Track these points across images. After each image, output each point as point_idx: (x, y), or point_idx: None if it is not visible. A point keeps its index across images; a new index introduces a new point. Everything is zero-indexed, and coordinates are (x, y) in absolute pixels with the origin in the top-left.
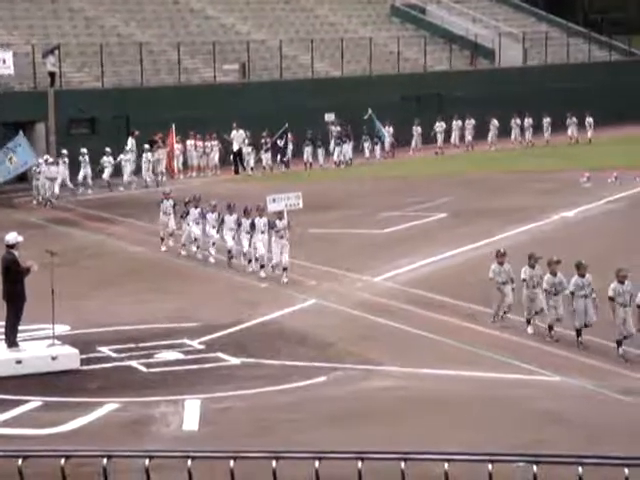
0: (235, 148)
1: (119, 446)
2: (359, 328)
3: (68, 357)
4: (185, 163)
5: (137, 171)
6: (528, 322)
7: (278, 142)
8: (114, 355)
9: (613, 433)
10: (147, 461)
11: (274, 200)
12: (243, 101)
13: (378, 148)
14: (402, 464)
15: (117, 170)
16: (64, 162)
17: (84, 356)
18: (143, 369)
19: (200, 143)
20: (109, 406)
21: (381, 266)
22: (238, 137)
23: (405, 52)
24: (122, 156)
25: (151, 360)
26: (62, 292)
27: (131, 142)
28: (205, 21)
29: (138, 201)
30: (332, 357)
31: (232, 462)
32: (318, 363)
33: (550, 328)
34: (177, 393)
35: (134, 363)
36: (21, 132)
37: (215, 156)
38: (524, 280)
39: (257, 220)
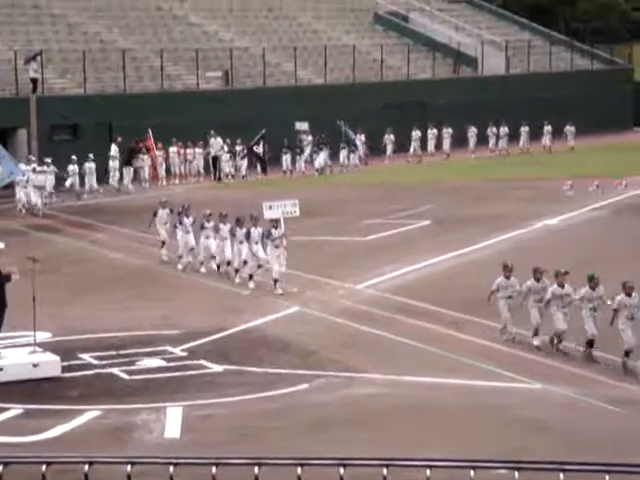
0: (212, 155)
1: (101, 453)
2: (342, 335)
3: (49, 364)
4: (168, 170)
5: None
6: (535, 333)
7: (255, 148)
8: (95, 362)
9: (595, 441)
10: (129, 467)
11: (270, 207)
12: (226, 108)
13: (354, 156)
14: (384, 470)
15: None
16: (51, 171)
17: (65, 363)
18: (125, 376)
19: (182, 150)
20: (90, 413)
21: (364, 273)
22: (216, 144)
23: (388, 60)
24: (87, 164)
25: (133, 367)
26: (44, 299)
27: (114, 148)
28: (188, 28)
29: (121, 208)
30: (315, 364)
31: (214, 469)
32: (301, 370)
33: (553, 339)
34: (159, 400)
35: (116, 370)
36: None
37: (198, 163)
38: (528, 292)
39: (252, 230)
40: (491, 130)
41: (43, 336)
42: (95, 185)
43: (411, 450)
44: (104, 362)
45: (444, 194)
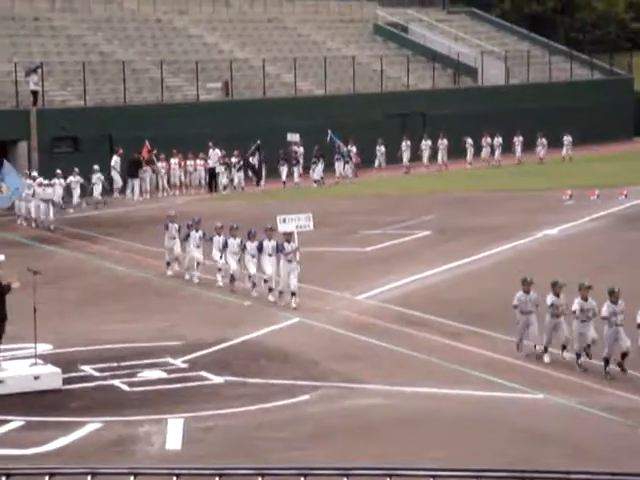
0: (210, 166)
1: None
2: (343, 346)
3: (50, 376)
4: (168, 181)
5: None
6: (545, 350)
7: (251, 159)
8: (96, 374)
9: (598, 451)
10: (132, 479)
11: (284, 220)
12: (225, 119)
13: (349, 167)
14: None
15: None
16: (60, 183)
17: (66, 375)
18: (126, 388)
19: (183, 162)
20: (91, 425)
21: (364, 284)
22: (214, 156)
23: (388, 71)
24: (71, 178)
25: (134, 379)
26: (45, 311)
27: (115, 160)
28: (188, 39)
29: (121, 220)
30: (316, 375)
31: (217, 479)
32: (301, 381)
33: (579, 356)
34: (160, 412)
35: (117, 382)
36: (5, 161)
37: (199, 175)
38: (550, 307)
39: (265, 242)
40: (485, 140)
41: (44, 348)
42: (99, 196)
43: (413, 460)
44: (105, 374)
45: (443, 205)
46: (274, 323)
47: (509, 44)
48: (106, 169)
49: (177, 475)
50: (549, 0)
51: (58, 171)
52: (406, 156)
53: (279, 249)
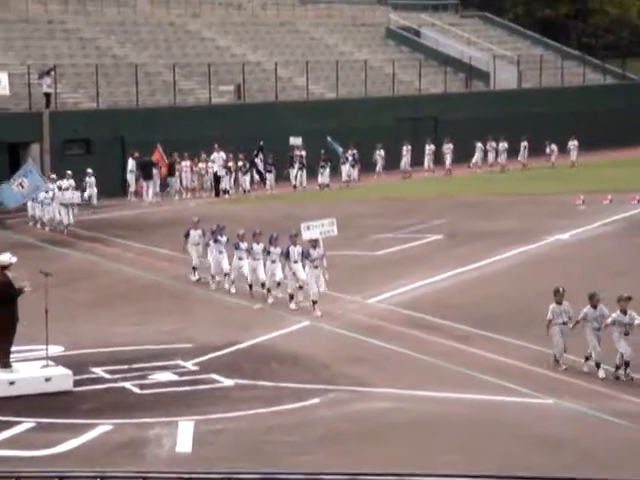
0: (215, 170)
1: (112, 468)
2: (353, 350)
3: (61, 378)
4: (181, 183)
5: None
6: (598, 366)
7: (256, 160)
8: (107, 376)
9: (607, 456)
10: None
11: (308, 228)
12: (238, 122)
13: (356, 171)
14: None
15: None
16: (72, 186)
17: (77, 377)
18: (137, 390)
19: (195, 165)
20: (102, 427)
21: (375, 288)
22: (218, 159)
23: (400, 74)
24: (87, 179)
25: (145, 381)
26: (56, 313)
27: (131, 163)
28: (201, 43)
29: (133, 222)
30: (326, 379)
31: None
32: (312, 385)
33: (617, 368)
34: (171, 414)
35: (128, 384)
36: (30, 159)
37: (209, 178)
38: (584, 319)
39: (292, 248)
40: (490, 145)
41: (55, 350)
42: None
43: (421, 465)
44: (116, 376)
45: (454, 209)
46: (285, 326)
47: (521, 48)
48: (117, 171)
49: (186, 479)
50: (562, 5)
51: (69, 172)
52: (406, 161)
53: (305, 255)
